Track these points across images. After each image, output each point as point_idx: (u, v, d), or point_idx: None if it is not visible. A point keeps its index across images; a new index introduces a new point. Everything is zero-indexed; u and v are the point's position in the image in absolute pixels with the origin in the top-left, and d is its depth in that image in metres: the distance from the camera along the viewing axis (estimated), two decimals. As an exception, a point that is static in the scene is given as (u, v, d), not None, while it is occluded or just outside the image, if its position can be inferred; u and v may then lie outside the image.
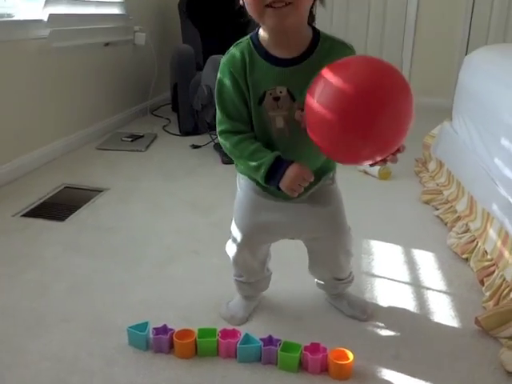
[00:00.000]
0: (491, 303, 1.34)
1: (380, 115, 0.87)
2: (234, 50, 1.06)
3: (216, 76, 1.07)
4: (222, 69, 1.06)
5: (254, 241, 1.22)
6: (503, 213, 1.47)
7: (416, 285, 1.51)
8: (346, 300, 1.37)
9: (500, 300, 1.33)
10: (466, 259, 1.61)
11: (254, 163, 1.04)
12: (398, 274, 1.57)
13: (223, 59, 1.06)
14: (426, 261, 1.65)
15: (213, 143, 2.79)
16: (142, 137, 2.99)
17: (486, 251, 1.53)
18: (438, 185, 2.17)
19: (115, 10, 3.17)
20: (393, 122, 0.89)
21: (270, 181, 1.04)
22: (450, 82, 3.50)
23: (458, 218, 1.82)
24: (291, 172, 1.01)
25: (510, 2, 3.77)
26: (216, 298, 1.41)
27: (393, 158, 0.96)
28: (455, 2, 3.85)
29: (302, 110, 0.97)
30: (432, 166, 2.36)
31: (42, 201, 2.07)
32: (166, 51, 3.68)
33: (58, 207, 2.01)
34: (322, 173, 1.17)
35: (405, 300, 1.43)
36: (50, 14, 2.41)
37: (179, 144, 2.95)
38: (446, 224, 1.88)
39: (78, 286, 1.48)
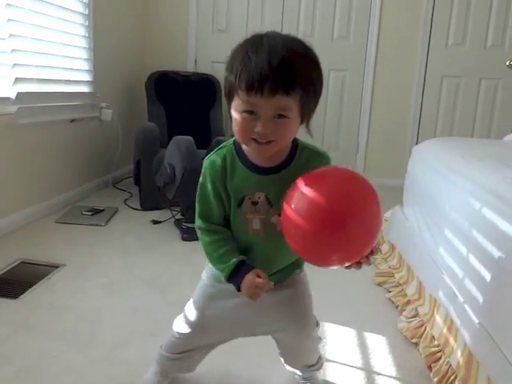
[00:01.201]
0: (438, 390, 1.38)
1: (351, 226, 0.93)
2: (215, 156, 1.11)
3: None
4: (204, 172, 1.11)
5: (210, 332, 1.25)
6: (448, 300, 1.53)
7: (367, 370, 1.54)
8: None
9: (446, 387, 1.37)
10: (416, 343, 1.66)
11: (220, 266, 1.10)
12: (351, 358, 1.60)
13: (205, 163, 1.11)
14: (378, 345, 1.69)
15: (173, 219, 2.83)
16: (102, 211, 2.99)
17: (433, 336, 1.58)
18: (390, 267, 2.24)
19: (83, 89, 3.26)
20: (363, 233, 0.95)
21: (232, 283, 1.08)
22: (403, 165, 3.69)
23: (408, 302, 1.88)
24: (246, 281, 1.05)
25: (455, 93, 4.11)
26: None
27: (367, 261, 1.01)
28: (406, 95, 4.16)
29: (279, 214, 1.03)
30: (385, 248, 2.45)
31: (-5, 277, 2.03)
32: (131, 127, 3.77)
33: (12, 284, 1.97)
34: (294, 266, 1.23)
35: (356, 386, 1.46)
36: (19, 92, 2.47)
37: (140, 219, 2.96)
38: (397, 307, 1.94)
39: (27, 370, 1.44)
